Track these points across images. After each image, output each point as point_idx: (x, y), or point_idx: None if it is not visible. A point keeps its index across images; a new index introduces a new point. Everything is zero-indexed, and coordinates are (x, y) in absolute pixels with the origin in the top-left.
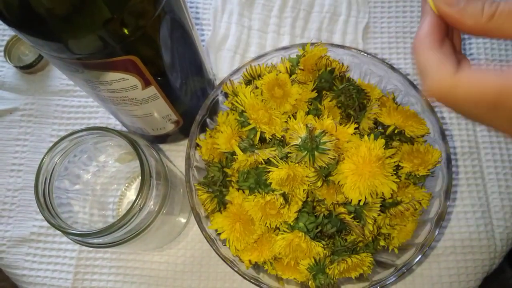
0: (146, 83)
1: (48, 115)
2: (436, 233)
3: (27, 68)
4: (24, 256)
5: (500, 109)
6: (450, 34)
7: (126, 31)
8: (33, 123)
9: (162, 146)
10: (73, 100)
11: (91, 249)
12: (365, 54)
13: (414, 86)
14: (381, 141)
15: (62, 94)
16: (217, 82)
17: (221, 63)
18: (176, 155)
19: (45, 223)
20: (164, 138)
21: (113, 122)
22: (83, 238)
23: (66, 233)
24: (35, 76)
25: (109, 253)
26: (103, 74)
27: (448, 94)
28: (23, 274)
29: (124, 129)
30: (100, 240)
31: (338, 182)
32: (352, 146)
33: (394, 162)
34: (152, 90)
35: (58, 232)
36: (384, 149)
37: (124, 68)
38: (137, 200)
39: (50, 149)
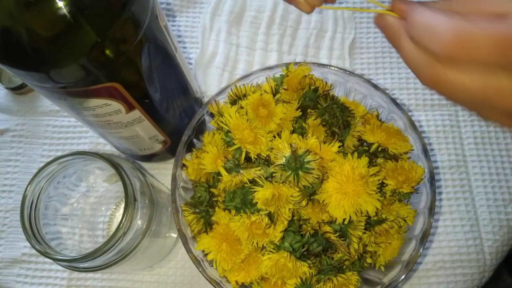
0: (130, 107)
1: (38, 135)
2: (421, 250)
3: (18, 89)
4: (16, 277)
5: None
6: None
7: (107, 58)
8: (24, 144)
9: (150, 165)
10: (63, 120)
11: None
12: (347, 73)
13: (397, 104)
14: (365, 160)
15: (53, 114)
16: (205, 100)
17: (209, 81)
18: (165, 173)
19: None
20: (153, 157)
21: (102, 142)
22: (70, 263)
23: (53, 259)
24: (26, 97)
25: (100, 273)
26: (86, 100)
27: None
28: None
29: (113, 149)
30: (87, 264)
31: (323, 201)
32: (336, 165)
33: (378, 180)
34: (136, 113)
35: None
36: (368, 167)
37: (106, 94)
38: (122, 223)
39: (36, 174)
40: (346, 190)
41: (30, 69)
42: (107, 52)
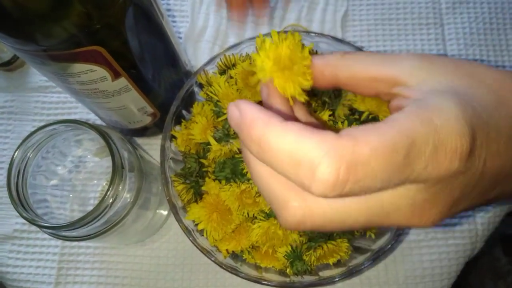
0: (116, 75)
1: (28, 111)
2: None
3: (6, 66)
4: (8, 253)
5: None
6: None
7: (90, 20)
8: (13, 120)
9: (142, 140)
10: (53, 96)
11: (74, 244)
12: (338, 41)
13: None
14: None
15: (42, 91)
16: None
17: (199, 55)
18: (156, 148)
19: None
20: (143, 132)
21: (92, 117)
22: (57, 230)
23: (40, 226)
24: (14, 73)
25: (92, 248)
26: (70, 65)
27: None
28: (7, 271)
29: (103, 124)
30: (74, 233)
31: None
32: None
33: None
34: (123, 81)
35: None
36: None
37: (90, 59)
38: (109, 192)
39: (22, 143)
40: None
41: (8, 29)
42: (88, 12)
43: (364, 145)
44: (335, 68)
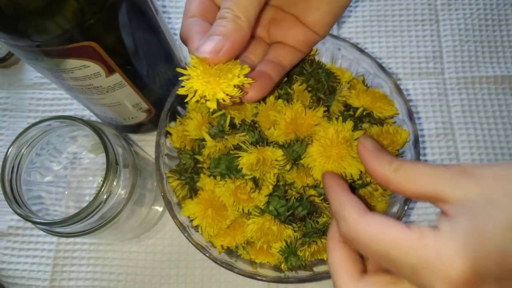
0: (110, 70)
1: (23, 108)
2: (404, 212)
3: (0, 62)
4: (3, 250)
5: None
6: None
7: (83, 15)
8: (8, 117)
9: (137, 136)
10: (48, 93)
11: (69, 241)
12: (333, 37)
13: (383, 69)
14: (350, 123)
15: (37, 87)
16: None
17: None
18: (152, 144)
19: None
20: (138, 128)
21: (87, 114)
22: (51, 226)
23: (34, 222)
24: (9, 70)
25: (87, 244)
26: (64, 61)
27: None
28: (2, 268)
29: (98, 120)
30: (69, 229)
31: (307, 165)
32: (321, 129)
33: None
34: (117, 77)
35: None
36: (353, 131)
37: (84, 54)
38: (103, 188)
39: (16, 139)
40: (330, 154)
41: (2, 25)
42: (82, 7)
43: None
44: (388, 183)
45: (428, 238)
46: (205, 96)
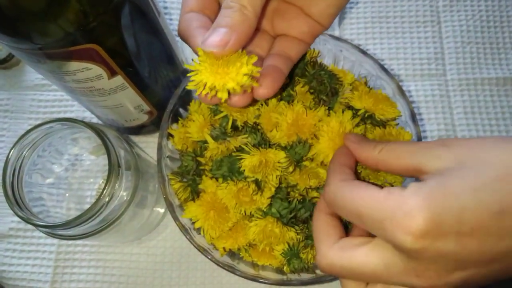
0: (112, 73)
1: (24, 110)
2: None
3: (2, 64)
4: (3, 252)
5: None
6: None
7: (85, 17)
8: (9, 119)
9: (138, 138)
10: (49, 94)
11: (70, 243)
12: (335, 39)
13: (385, 70)
14: (349, 113)
15: (38, 89)
16: None
17: None
18: (154, 146)
19: None
20: (139, 130)
21: (88, 115)
22: (53, 229)
23: (35, 225)
24: (10, 71)
25: (89, 246)
26: (66, 64)
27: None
28: (3, 270)
29: (99, 122)
30: (70, 232)
31: (322, 162)
32: (324, 124)
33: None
34: (119, 79)
35: None
36: (354, 128)
37: (86, 57)
38: (105, 190)
39: (18, 141)
40: (340, 145)
41: (4, 27)
42: (84, 9)
43: None
44: (376, 164)
45: (394, 195)
46: (215, 87)
